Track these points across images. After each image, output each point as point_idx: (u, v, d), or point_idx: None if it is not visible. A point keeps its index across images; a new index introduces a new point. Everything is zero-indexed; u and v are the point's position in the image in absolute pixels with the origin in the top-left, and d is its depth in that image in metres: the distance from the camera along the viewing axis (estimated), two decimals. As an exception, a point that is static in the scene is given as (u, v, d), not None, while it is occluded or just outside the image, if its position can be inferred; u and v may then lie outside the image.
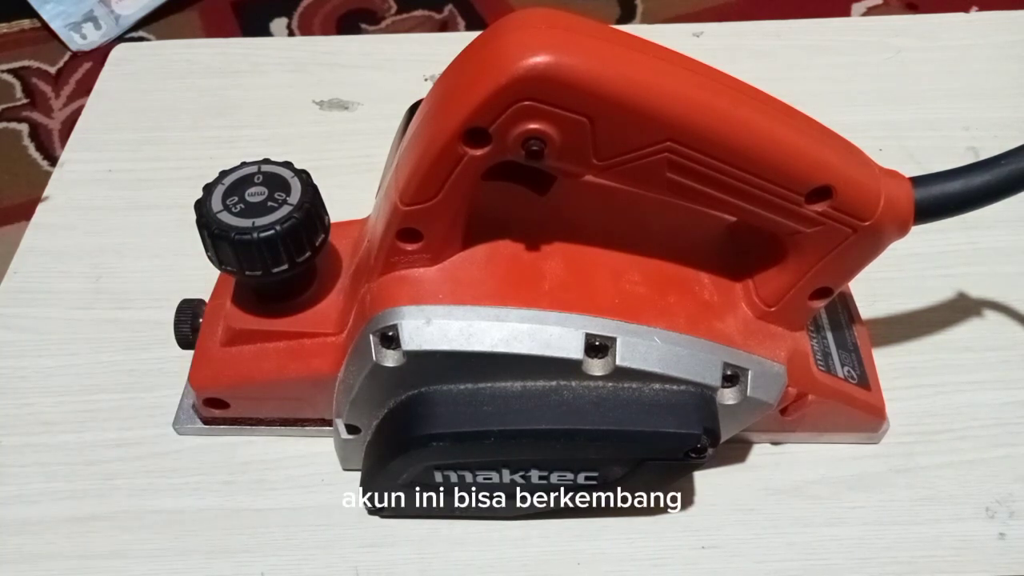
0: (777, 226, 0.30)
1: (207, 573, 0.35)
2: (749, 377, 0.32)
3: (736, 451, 0.38)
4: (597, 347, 0.30)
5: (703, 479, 0.38)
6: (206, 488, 0.38)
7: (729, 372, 0.31)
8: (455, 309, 0.30)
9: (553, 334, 0.30)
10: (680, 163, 0.27)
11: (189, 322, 0.36)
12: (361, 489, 0.34)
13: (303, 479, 0.38)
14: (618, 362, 0.30)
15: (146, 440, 0.39)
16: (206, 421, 0.38)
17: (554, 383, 0.31)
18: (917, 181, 0.30)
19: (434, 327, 0.30)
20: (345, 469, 0.37)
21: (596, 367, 0.30)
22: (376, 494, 0.35)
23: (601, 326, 0.30)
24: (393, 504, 0.35)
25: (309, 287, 0.34)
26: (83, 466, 0.38)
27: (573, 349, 0.30)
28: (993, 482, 0.37)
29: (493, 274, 0.31)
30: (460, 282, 0.31)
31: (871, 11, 0.72)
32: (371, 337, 0.30)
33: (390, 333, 0.30)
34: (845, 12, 0.69)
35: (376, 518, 0.37)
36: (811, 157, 0.28)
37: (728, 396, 0.32)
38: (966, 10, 0.63)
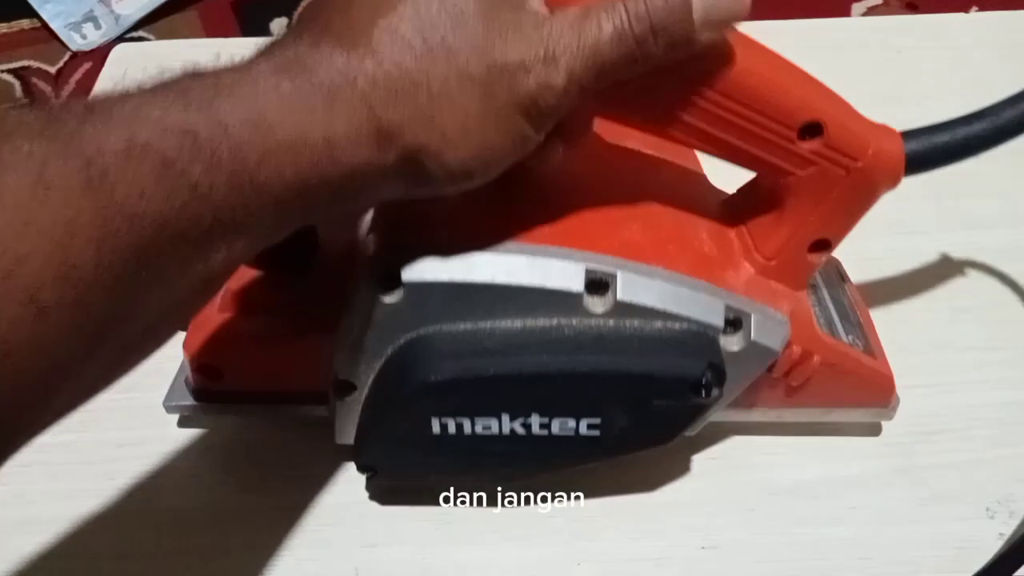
0: (773, 169, 0.30)
1: (207, 573, 0.35)
2: (752, 322, 0.31)
3: (736, 451, 0.38)
4: (598, 284, 0.30)
5: (703, 479, 0.38)
6: (206, 488, 0.38)
7: (731, 316, 0.31)
8: (456, 243, 0.30)
9: (554, 267, 0.30)
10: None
11: None
12: (355, 450, 0.34)
13: (303, 479, 0.38)
14: (619, 296, 0.30)
15: (146, 440, 0.39)
16: (198, 396, 0.37)
17: (555, 321, 0.30)
18: (907, 134, 0.31)
19: (435, 259, 0.30)
20: (340, 443, 0.36)
21: (597, 304, 0.30)
22: (370, 452, 0.34)
23: (602, 261, 0.30)
24: (388, 462, 0.34)
25: (312, 255, 0.34)
26: (83, 466, 0.38)
27: (573, 282, 0.30)
28: (993, 482, 0.37)
29: (495, 214, 0.31)
30: (461, 221, 0.31)
31: (871, 11, 0.71)
32: (371, 276, 0.30)
33: (390, 268, 0.29)
34: (845, 12, 0.69)
35: (376, 518, 0.36)
36: (802, 92, 0.30)
37: (732, 343, 0.31)
38: (966, 10, 0.63)
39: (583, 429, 0.32)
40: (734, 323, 0.31)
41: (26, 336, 0.18)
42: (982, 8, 0.64)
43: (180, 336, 0.35)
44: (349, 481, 0.37)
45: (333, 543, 0.36)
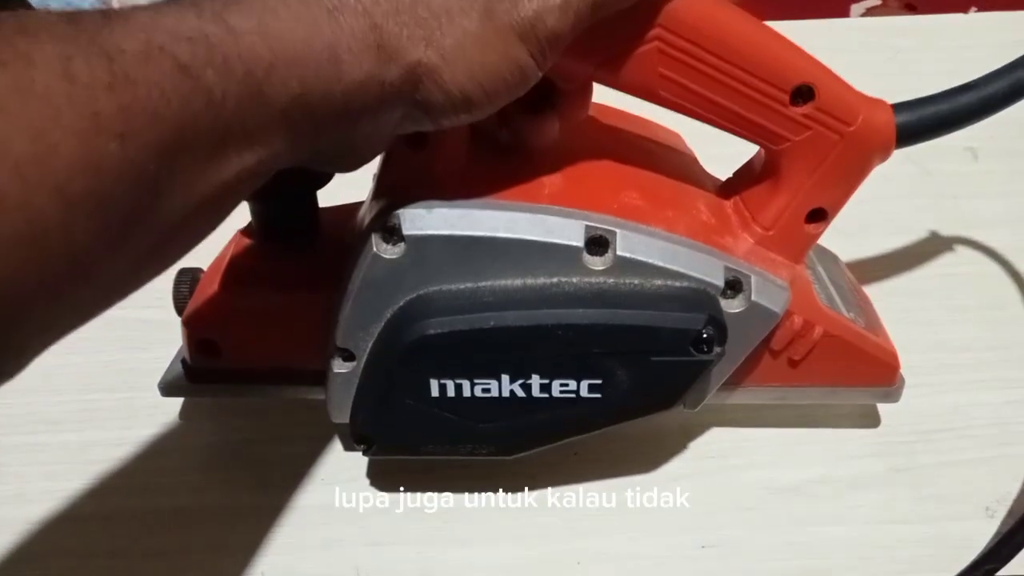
0: (768, 135, 0.31)
1: (207, 573, 0.35)
2: (752, 283, 0.31)
3: (735, 450, 0.38)
4: (598, 241, 0.30)
5: (702, 478, 0.38)
6: (206, 487, 0.38)
7: (731, 277, 0.31)
8: (457, 201, 0.30)
9: (555, 223, 0.30)
10: (671, 54, 0.29)
11: (188, 283, 0.35)
12: (351, 420, 0.33)
13: (303, 479, 0.38)
14: (618, 252, 0.30)
15: (146, 440, 0.39)
16: (193, 378, 0.36)
17: (555, 279, 0.31)
18: (898, 106, 0.32)
19: (435, 214, 0.30)
20: (336, 422, 0.35)
21: (596, 262, 0.30)
22: (367, 421, 0.33)
23: (602, 220, 0.30)
24: (384, 432, 0.34)
25: (313, 230, 0.34)
26: (83, 466, 0.38)
27: (574, 237, 0.30)
28: (993, 482, 0.37)
29: (497, 180, 0.31)
30: (463, 184, 0.31)
31: (871, 11, 0.71)
32: (372, 233, 0.30)
33: (391, 224, 0.29)
34: (845, 12, 0.69)
35: (376, 518, 0.36)
36: (793, 56, 0.30)
37: (733, 305, 0.31)
38: (966, 10, 0.63)
39: (584, 391, 0.32)
40: (734, 285, 0.31)
41: (54, 225, 0.18)
42: (981, 8, 0.64)
43: (179, 333, 0.35)
44: (349, 481, 0.37)
45: (333, 543, 0.36)
